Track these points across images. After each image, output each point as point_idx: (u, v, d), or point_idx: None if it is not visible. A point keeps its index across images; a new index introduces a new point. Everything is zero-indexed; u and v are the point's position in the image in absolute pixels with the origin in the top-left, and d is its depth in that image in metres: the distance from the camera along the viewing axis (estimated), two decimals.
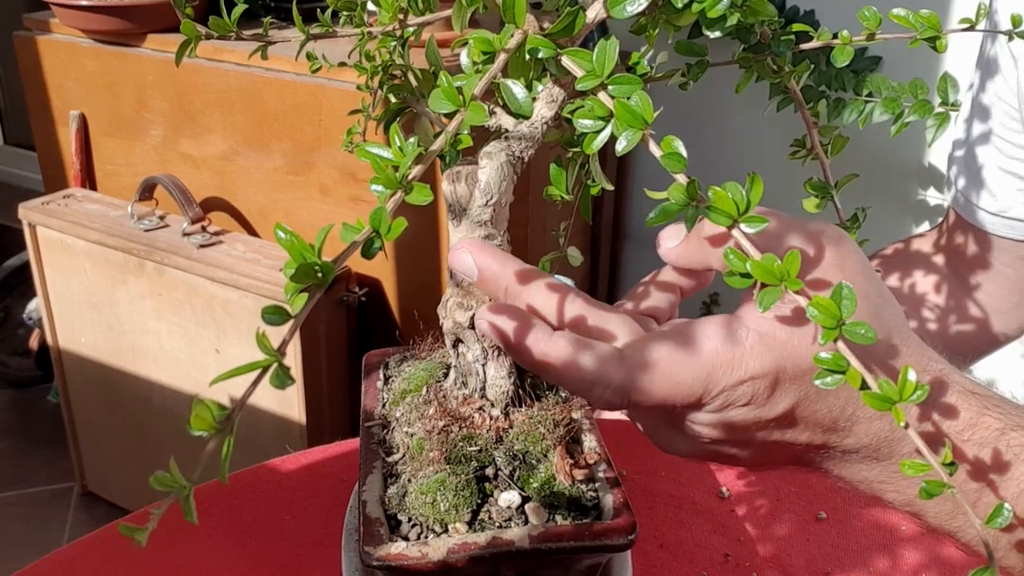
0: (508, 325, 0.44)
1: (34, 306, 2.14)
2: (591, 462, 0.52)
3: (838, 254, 0.42)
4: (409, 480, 0.50)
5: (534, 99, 0.48)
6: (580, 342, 0.43)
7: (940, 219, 0.88)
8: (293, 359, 1.50)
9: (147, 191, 1.66)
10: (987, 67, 0.78)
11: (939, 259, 0.85)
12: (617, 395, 0.42)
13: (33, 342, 2.34)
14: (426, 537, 0.47)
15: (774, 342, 0.41)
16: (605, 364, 0.42)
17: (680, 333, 0.42)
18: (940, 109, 1.41)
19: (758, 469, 0.48)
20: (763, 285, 0.36)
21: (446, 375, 0.55)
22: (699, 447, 0.46)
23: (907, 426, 0.35)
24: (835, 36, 0.52)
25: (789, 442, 0.44)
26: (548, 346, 0.43)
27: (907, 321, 0.45)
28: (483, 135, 0.50)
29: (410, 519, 0.49)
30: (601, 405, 0.43)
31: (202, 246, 1.57)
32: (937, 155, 1.57)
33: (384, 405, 0.56)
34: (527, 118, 0.48)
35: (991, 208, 0.80)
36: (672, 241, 0.46)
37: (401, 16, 0.52)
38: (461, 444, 0.51)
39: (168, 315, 1.63)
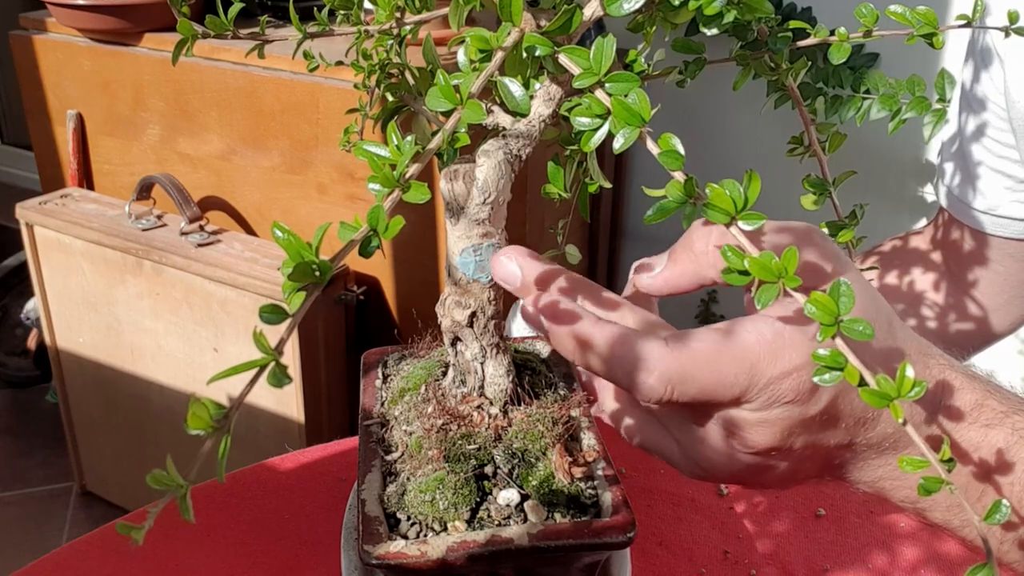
0: (553, 309, 0.44)
1: (32, 306, 2.14)
2: (590, 460, 0.52)
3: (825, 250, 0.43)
4: (408, 478, 0.50)
5: (531, 97, 0.48)
6: (627, 328, 0.43)
7: (935, 215, 0.89)
8: (291, 358, 1.50)
9: (144, 190, 1.66)
10: (975, 66, 0.78)
11: (935, 256, 0.86)
12: (661, 382, 0.41)
13: (31, 342, 2.34)
14: (425, 535, 0.47)
15: (813, 332, 0.41)
16: (652, 350, 0.41)
17: (719, 328, 0.42)
18: (937, 106, 1.41)
19: (783, 487, 0.48)
20: (761, 282, 0.36)
21: (444, 373, 0.55)
22: (734, 461, 0.45)
23: (905, 422, 0.35)
24: (832, 33, 0.52)
25: (822, 445, 0.43)
26: (595, 329, 0.43)
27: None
28: (481, 133, 0.50)
29: (409, 517, 0.49)
30: (642, 393, 0.42)
31: (200, 245, 1.57)
32: (935, 152, 1.58)
33: (383, 404, 0.56)
34: (525, 116, 0.48)
35: (980, 206, 0.80)
36: (655, 268, 0.46)
37: (398, 14, 0.52)
38: (460, 442, 0.51)
39: (166, 314, 1.63)
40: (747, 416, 0.42)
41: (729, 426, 0.43)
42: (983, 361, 0.64)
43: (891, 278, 0.84)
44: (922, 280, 0.84)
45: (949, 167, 0.83)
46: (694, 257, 0.44)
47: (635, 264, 0.49)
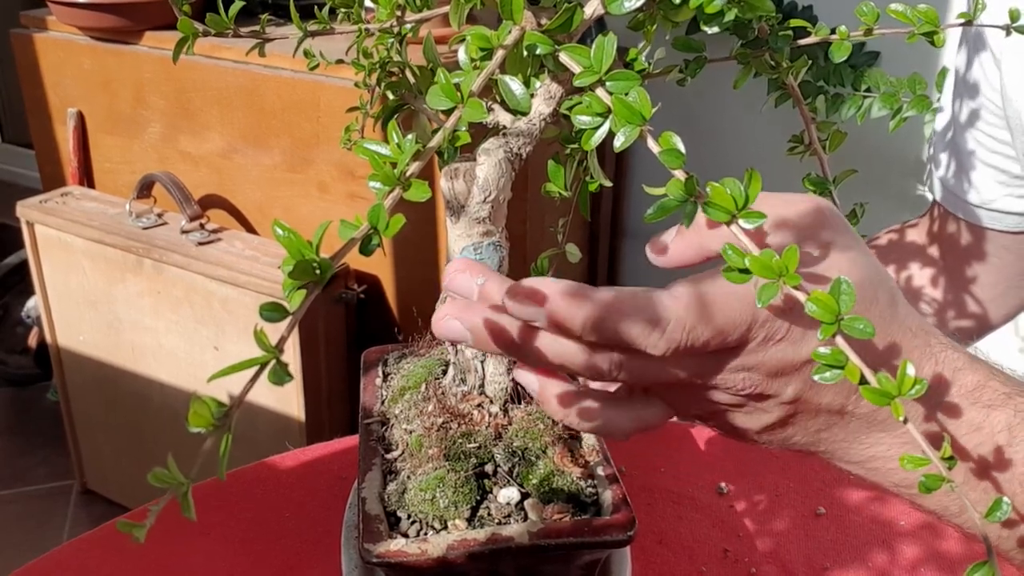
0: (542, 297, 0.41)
1: (32, 304, 2.14)
2: (590, 458, 0.52)
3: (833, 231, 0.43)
4: (408, 477, 0.50)
5: (532, 95, 0.48)
6: (626, 288, 0.42)
7: (930, 207, 0.89)
8: (292, 356, 1.50)
9: (145, 189, 1.66)
10: (969, 63, 0.78)
11: (931, 249, 0.86)
12: (677, 328, 0.40)
13: (32, 340, 2.34)
14: (426, 534, 0.47)
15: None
16: (658, 302, 0.41)
17: (716, 272, 0.41)
18: (938, 104, 1.41)
19: (772, 438, 0.47)
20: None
21: (445, 372, 0.55)
22: (717, 408, 0.45)
23: (905, 420, 0.35)
24: (833, 31, 0.52)
25: (813, 401, 0.43)
26: (600, 294, 0.41)
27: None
28: (481, 132, 0.50)
29: (409, 516, 0.49)
30: (659, 344, 0.41)
31: (200, 243, 1.57)
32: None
33: (383, 402, 0.56)
34: (525, 114, 0.48)
35: (975, 200, 0.80)
36: (664, 242, 0.46)
37: (399, 13, 0.52)
38: (460, 441, 0.51)
39: (167, 313, 1.63)
40: (741, 359, 0.42)
41: (729, 364, 0.43)
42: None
43: (888, 271, 0.84)
44: (918, 273, 0.85)
45: (943, 159, 0.84)
46: (699, 229, 0.44)
47: (652, 240, 0.48)
